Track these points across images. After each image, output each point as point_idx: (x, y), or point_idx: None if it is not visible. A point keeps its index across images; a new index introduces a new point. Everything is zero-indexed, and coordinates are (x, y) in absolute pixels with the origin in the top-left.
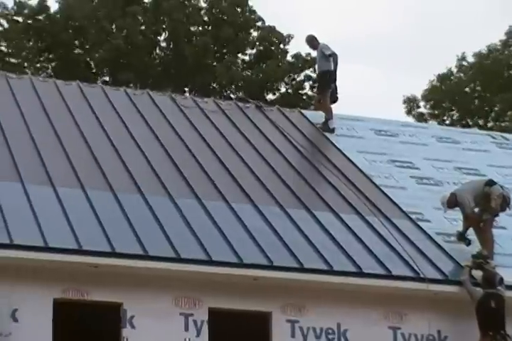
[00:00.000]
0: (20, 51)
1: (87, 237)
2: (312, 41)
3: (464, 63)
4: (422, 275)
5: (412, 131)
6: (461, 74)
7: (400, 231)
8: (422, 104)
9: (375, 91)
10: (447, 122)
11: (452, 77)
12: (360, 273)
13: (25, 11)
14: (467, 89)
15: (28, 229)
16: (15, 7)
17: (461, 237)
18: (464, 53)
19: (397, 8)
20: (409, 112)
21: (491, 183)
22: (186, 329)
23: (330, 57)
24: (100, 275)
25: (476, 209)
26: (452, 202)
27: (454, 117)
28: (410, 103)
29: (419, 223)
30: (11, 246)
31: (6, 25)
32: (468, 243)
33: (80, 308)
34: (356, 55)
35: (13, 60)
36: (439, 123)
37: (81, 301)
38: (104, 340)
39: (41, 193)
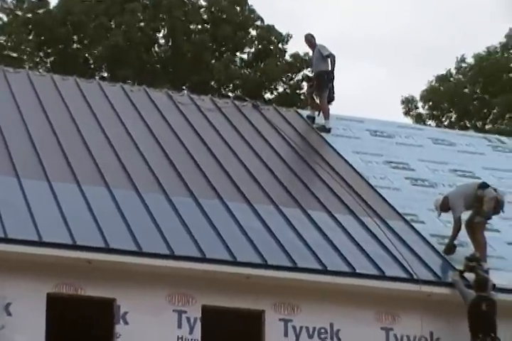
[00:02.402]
0: (20, 45)
1: (81, 232)
2: (310, 40)
3: (464, 65)
4: (415, 277)
5: (408, 133)
6: (460, 76)
7: (394, 232)
8: (420, 104)
9: (374, 91)
10: (445, 123)
11: (451, 79)
12: (354, 274)
13: (25, 5)
14: (466, 91)
15: (22, 223)
16: (14, 1)
17: (449, 248)
18: (463, 55)
19: (397, 9)
20: (407, 113)
21: (484, 186)
22: (179, 326)
23: (327, 58)
24: (94, 270)
25: (469, 212)
26: (445, 205)
27: (452, 119)
28: (408, 104)
29: (414, 224)
30: (6, 240)
31: (5, 19)
32: (454, 249)
33: (74, 303)
34: (356, 54)
35: (12, 54)
36: (437, 125)
37: (74, 296)
38: (97, 336)
39: (36, 188)
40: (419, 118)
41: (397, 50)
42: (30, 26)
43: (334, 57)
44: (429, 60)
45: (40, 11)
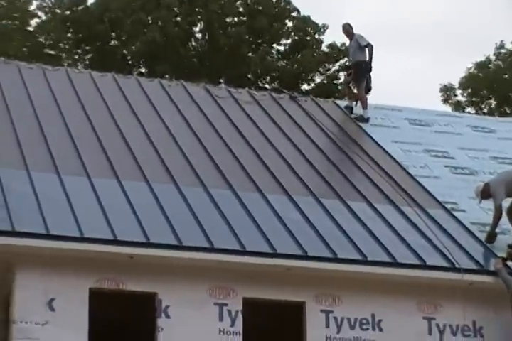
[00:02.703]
0: (58, 43)
1: (121, 227)
2: (348, 30)
3: (503, 51)
4: (456, 266)
5: (447, 121)
6: (500, 62)
7: (434, 221)
8: (459, 92)
9: (412, 80)
10: (485, 110)
11: (490, 65)
12: (395, 264)
13: (63, 3)
14: (505, 77)
15: (64, 219)
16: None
17: (490, 237)
18: (502, 41)
19: None
20: (446, 101)
21: None
22: (221, 319)
23: (365, 48)
24: (135, 265)
25: (510, 199)
26: (486, 192)
27: (492, 105)
28: (447, 91)
29: (454, 213)
30: (48, 236)
31: (44, 17)
32: (495, 237)
33: (116, 298)
34: (393, 43)
35: (51, 52)
36: (476, 112)
37: (116, 291)
38: (139, 330)
39: (77, 184)
40: (458, 106)
41: (435, 37)
42: (68, 24)
43: (372, 47)
44: (468, 47)
45: (78, 9)
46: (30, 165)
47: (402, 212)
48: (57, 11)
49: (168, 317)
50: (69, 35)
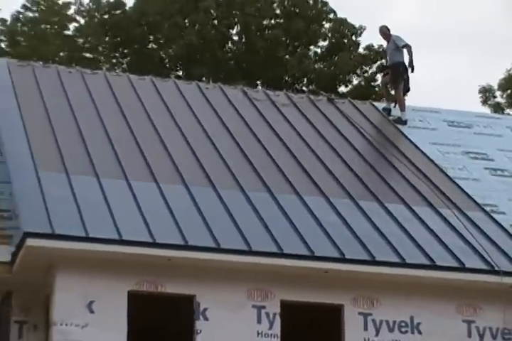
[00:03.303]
0: (96, 46)
1: (160, 230)
2: (385, 32)
3: None
4: (496, 268)
5: (486, 122)
6: None
7: (473, 223)
8: (498, 93)
9: (450, 82)
10: None
11: None
12: (434, 266)
13: (101, 7)
14: None
15: (103, 222)
16: (90, 3)
17: None
18: None
19: None
20: (484, 102)
21: None
22: (259, 321)
23: (403, 49)
24: (174, 267)
25: None
26: None
27: None
28: (486, 93)
29: (494, 215)
30: (87, 239)
31: (82, 21)
32: None
33: (154, 300)
34: (431, 44)
35: (89, 55)
36: None
37: (155, 293)
38: (177, 332)
39: (116, 187)
40: (497, 108)
41: (475, 38)
42: (106, 28)
43: (410, 47)
44: (508, 48)
45: (116, 13)
46: (69, 169)
47: (440, 214)
48: (96, 14)
49: (206, 319)
50: (107, 38)
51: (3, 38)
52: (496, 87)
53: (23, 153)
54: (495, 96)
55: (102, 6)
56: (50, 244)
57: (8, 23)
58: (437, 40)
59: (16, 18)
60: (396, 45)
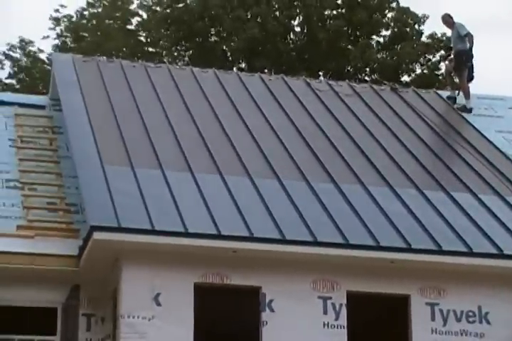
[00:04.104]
0: (158, 40)
1: (225, 222)
2: (448, 20)
3: None
4: None
5: None
6: None
7: None
8: None
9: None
10: None
11: None
12: (501, 255)
13: (164, 1)
14: None
15: (168, 215)
16: None
17: None
18: None
19: None
20: None
21: None
22: (325, 312)
23: (465, 37)
24: (239, 259)
25: None
26: None
27: None
28: None
29: None
30: (153, 231)
31: (144, 15)
32: None
33: (220, 292)
34: (496, 32)
35: (151, 49)
36: None
37: (221, 285)
38: (243, 324)
39: (180, 180)
40: None
41: None
42: (168, 22)
43: (472, 36)
44: None
45: (178, 6)
46: (134, 162)
47: (507, 202)
48: (158, 9)
49: (272, 310)
50: (169, 32)
51: (68, 34)
52: None
53: (89, 148)
54: None
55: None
56: (116, 237)
57: (74, 19)
58: (503, 27)
59: (80, 14)
60: (458, 34)
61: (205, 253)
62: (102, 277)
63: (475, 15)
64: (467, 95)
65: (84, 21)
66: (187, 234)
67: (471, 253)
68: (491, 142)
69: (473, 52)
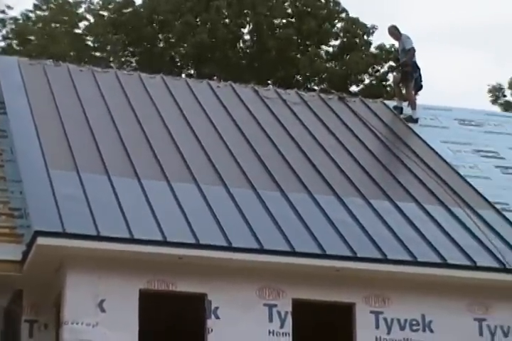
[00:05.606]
0: (106, 45)
1: (171, 229)
2: (393, 32)
3: None
4: (507, 266)
5: (497, 121)
6: None
7: (484, 221)
8: (508, 92)
9: (461, 81)
10: None
11: None
12: (445, 264)
13: (111, 6)
14: None
15: (114, 221)
16: (100, 2)
17: None
18: None
19: None
20: (494, 101)
21: None
22: (270, 320)
23: (408, 51)
24: (185, 266)
25: None
26: None
27: None
28: (495, 92)
29: (505, 213)
30: (98, 237)
31: (92, 19)
32: None
33: (165, 299)
34: (444, 43)
35: (98, 54)
36: None
37: (166, 292)
38: (189, 331)
39: (126, 185)
40: (507, 107)
41: (485, 38)
42: (116, 26)
43: (415, 51)
44: None
45: (126, 11)
46: (80, 167)
47: (452, 213)
48: (105, 13)
49: (217, 317)
50: (116, 37)
51: (14, 36)
52: (506, 86)
53: (34, 152)
54: (505, 95)
55: (112, 4)
56: (60, 242)
57: (20, 21)
58: (449, 39)
59: (26, 17)
60: (404, 47)
61: (151, 259)
62: (46, 283)
63: (425, 26)
64: (413, 105)
65: (31, 24)
66: (132, 241)
67: (415, 262)
68: (436, 152)
69: (419, 63)
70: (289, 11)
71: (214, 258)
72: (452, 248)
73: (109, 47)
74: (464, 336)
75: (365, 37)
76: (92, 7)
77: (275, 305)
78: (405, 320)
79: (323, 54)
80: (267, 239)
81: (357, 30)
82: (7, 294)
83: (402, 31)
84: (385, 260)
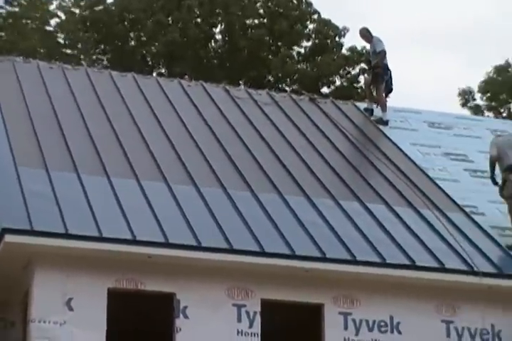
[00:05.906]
0: (77, 43)
1: (140, 227)
2: (365, 34)
3: None
4: (475, 269)
5: (466, 124)
6: None
7: (453, 224)
8: (478, 96)
9: (432, 84)
10: (504, 114)
11: (510, 69)
12: (413, 266)
13: (82, 3)
14: None
15: (82, 219)
16: None
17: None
18: None
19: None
20: (464, 105)
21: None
22: (239, 320)
23: (379, 54)
24: (154, 265)
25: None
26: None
27: (511, 109)
28: (465, 95)
29: (473, 216)
30: (66, 235)
31: (63, 16)
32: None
33: (134, 298)
34: (415, 45)
35: (69, 52)
36: (495, 116)
37: (135, 291)
38: (157, 330)
39: (96, 184)
40: (477, 110)
41: (456, 41)
42: (87, 24)
43: (385, 53)
44: (488, 51)
45: (97, 9)
46: (49, 165)
47: (421, 215)
48: (77, 11)
49: (186, 317)
50: (87, 34)
51: None
52: (476, 89)
53: (3, 149)
54: (474, 99)
55: (83, 1)
56: (28, 240)
57: None
58: (421, 41)
59: None
60: (374, 49)
61: (120, 258)
62: (13, 280)
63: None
64: (384, 107)
65: (1, 20)
66: (101, 239)
67: (384, 264)
68: (406, 155)
69: (390, 65)
70: (261, 11)
71: (183, 258)
72: (421, 250)
73: (80, 45)
74: (431, 337)
75: (337, 39)
76: (64, 4)
77: (244, 305)
78: (373, 321)
79: (295, 55)
80: (236, 239)
81: (329, 32)
82: None
83: (374, 33)
84: (354, 261)
